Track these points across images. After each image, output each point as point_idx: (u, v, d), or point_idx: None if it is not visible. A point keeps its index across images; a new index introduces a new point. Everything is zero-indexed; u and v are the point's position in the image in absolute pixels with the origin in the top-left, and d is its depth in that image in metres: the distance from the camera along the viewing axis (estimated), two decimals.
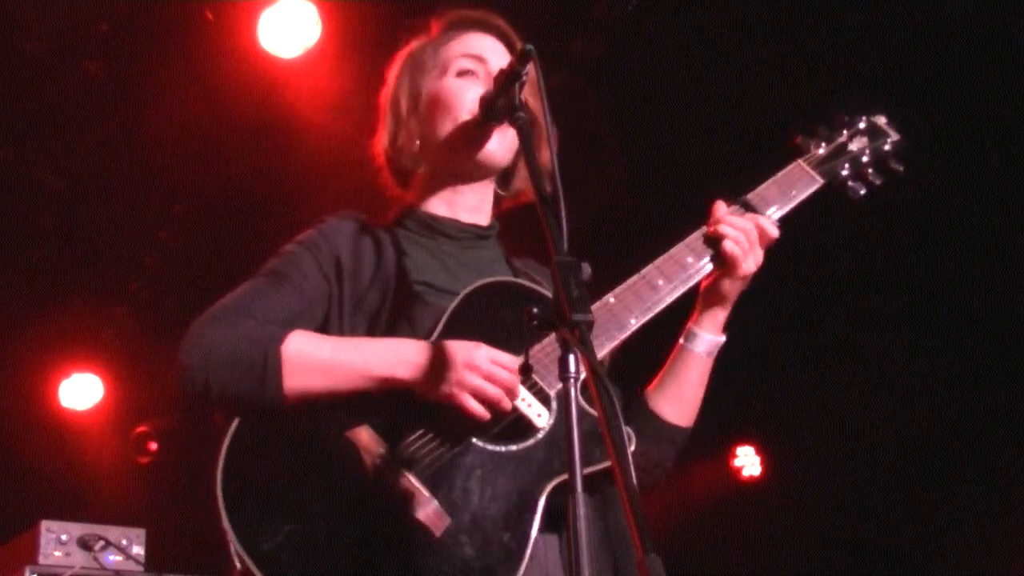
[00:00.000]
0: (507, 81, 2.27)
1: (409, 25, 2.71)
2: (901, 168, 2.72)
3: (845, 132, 2.71)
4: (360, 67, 5.29)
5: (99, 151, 5.86)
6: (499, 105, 2.32)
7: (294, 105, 5.46)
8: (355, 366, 2.23)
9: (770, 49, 5.48)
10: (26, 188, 6.04)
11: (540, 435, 2.22)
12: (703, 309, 2.52)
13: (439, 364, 2.19)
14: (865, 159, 2.69)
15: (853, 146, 2.69)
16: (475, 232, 2.57)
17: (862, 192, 2.68)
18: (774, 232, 2.50)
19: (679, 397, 2.52)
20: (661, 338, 2.57)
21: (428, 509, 2.12)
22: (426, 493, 2.14)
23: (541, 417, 2.23)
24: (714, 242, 2.46)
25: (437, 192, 2.59)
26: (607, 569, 2.26)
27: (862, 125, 2.72)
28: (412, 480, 2.15)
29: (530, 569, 2.18)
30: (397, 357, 2.22)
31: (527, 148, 2.19)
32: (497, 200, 2.66)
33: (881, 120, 2.75)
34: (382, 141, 2.62)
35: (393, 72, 2.67)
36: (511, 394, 2.20)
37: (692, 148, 6.04)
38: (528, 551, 2.11)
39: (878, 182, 2.70)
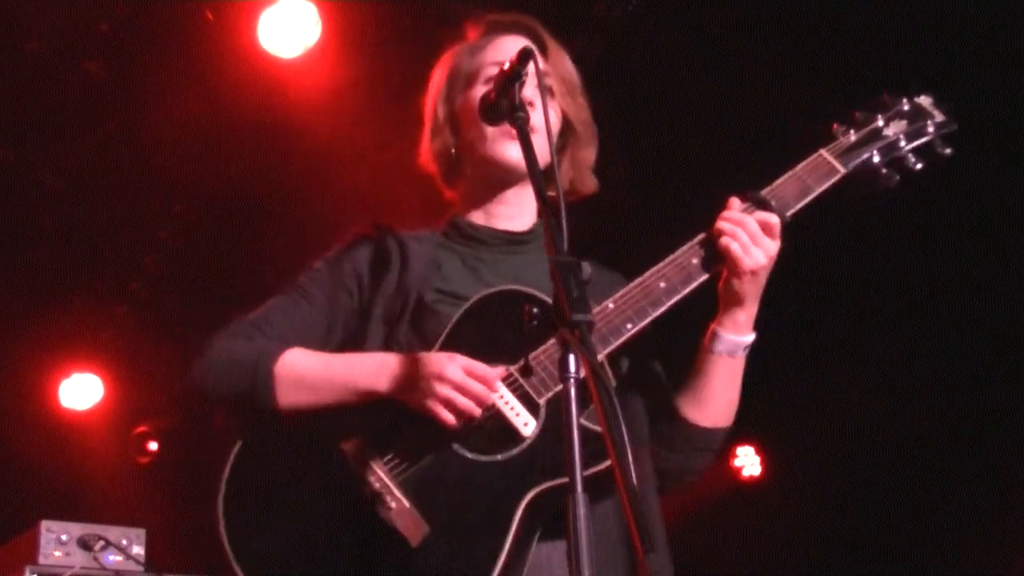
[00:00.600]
0: (507, 81, 2.26)
1: (414, 31, 2.72)
2: (948, 151, 2.52)
3: (881, 116, 2.52)
4: (360, 67, 5.30)
5: (99, 151, 5.86)
6: (501, 106, 2.32)
7: (294, 105, 5.46)
8: (341, 381, 2.32)
9: (770, 49, 5.47)
10: (26, 188, 6.04)
11: (525, 444, 2.23)
12: (722, 310, 2.44)
13: (414, 376, 2.25)
14: (902, 143, 2.50)
15: (889, 131, 2.51)
16: (508, 238, 2.58)
17: (896, 179, 2.49)
18: (774, 219, 2.38)
19: (705, 399, 2.47)
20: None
21: (406, 518, 2.17)
22: (406, 503, 2.18)
23: (528, 426, 2.24)
24: (713, 241, 2.39)
25: (475, 199, 2.62)
26: (625, 570, 2.26)
27: (904, 107, 2.54)
28: (394, 489, 2.20)
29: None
30: (379, 371, 2.30)
31: (526, 148, 2.19)
32: None
33: (925, 101, 2.56)
34: (425, 149, 2.67)
35: (433, 80, 2.69)
36: (483, 404, 2.22)
37: (692, 148, 6.04)
38: (502, 560, 2.13)
39: (919, 167, 2.51)
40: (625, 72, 5.66)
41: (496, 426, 2.23)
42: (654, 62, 5.61)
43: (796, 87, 5.32)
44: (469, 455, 2.23)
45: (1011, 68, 5.32)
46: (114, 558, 5.07)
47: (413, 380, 2.25)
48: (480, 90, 2.53)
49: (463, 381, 2.21)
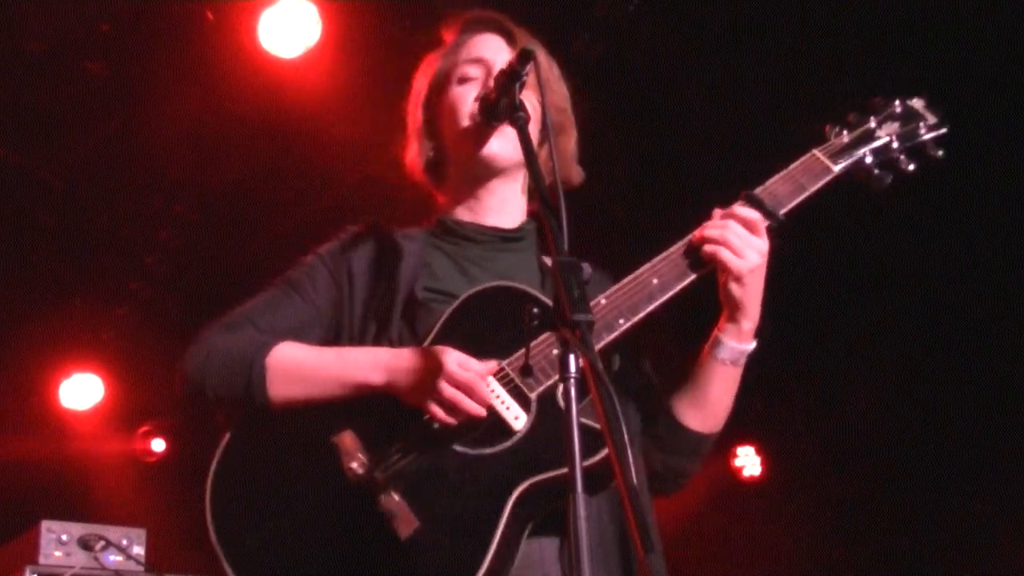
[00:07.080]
0: (507, 81, 2.27)
1: (414, 31, 2.74)
2: (939, 153, 2.55)
3: (874, 118, 2.55)
4: (360, 67, 5.30)
5: (100, 151, 5.86)
6: (501, 105, 2.33)
7: (294, 105, 5.46)
8: (334, 374, 2.32)
9: (770, 49, 5.48)
10: (26, 188, 6.05)
11: (516, 438, 2.23)
12: (726, 315, 2.42)
13: (408, 369, 2.25)
14: (895, 145, 2.53)
15: (882, 132, 2.53)
16: (499, 235, 2.58)
17: (888, 180, 2.52)
18: (754, 215, 2.37)
19: (703, 404, 2.47)
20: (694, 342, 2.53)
21: (395, 511, 2.17)
22: (395, 496, 2.18)
23: (518, 420, 2.24)
24: (698, 248, 2.38)
25: (460, 197, 2.62)
26: (620, 570, 2.26)
27: (897, 109, 2.57)
28: (383, 483, 2.20)
29: (527, 572, 2.20)
30: (373, 364, 2.30)
31: (527, 148, 2.19)
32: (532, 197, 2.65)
33: (918, 103, 2.59)
34: (410, 158, 2.68)
35: (415, 87, 2.71)
36: (477, 398, 2.21)
37: (692, 148, 6.04)
38: (491, 553, 2.12)
39: (910, 168, 2.54)
40: (625, 72, 5.67)
41: (487, 420, 2.23)
42: (654, 62, 5.62)
43: (796, 87, 5.33)
44: (459, 448, 2.23)
45: (1011, 68, 5.33)
46: (114, 558, 5.08)
47: (406, 373, 2.25)
48: (453, 90, 2.56)
49: (458, 375, 2.20)
